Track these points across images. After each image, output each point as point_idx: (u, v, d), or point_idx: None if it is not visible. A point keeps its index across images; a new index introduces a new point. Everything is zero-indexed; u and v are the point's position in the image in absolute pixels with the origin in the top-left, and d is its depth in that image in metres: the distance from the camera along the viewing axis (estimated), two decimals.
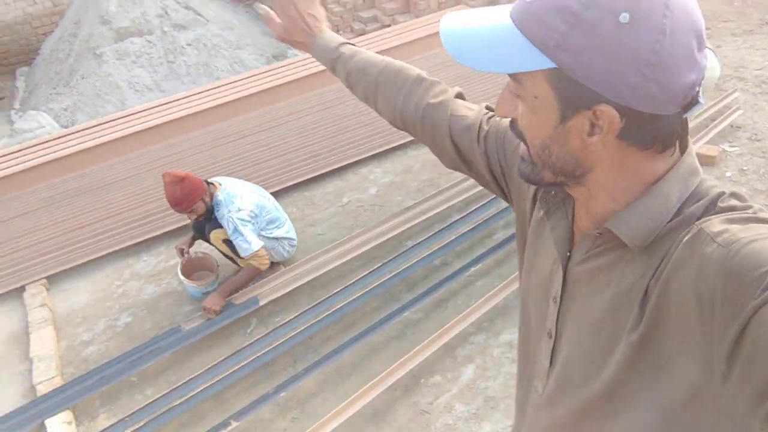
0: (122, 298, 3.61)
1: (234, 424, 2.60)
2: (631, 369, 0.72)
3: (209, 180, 3.25)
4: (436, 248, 3.38)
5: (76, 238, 4.09)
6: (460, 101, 1.11)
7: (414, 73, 1.15)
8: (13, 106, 6.29)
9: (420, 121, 1.11)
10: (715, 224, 0.65)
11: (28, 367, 3.18)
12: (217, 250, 3.39)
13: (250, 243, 3.09)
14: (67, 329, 3.46)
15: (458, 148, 1.07)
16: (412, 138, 4.64)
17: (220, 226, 3.18)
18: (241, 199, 3.16)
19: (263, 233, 3.28)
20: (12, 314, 3.64)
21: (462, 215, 3.58)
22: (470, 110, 1.08)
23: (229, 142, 4.99)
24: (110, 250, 3.97)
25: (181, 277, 3.29)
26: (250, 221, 3.14)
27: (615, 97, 0.66)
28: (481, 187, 3.75)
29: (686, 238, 0.67)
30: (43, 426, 2.79)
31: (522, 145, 0.78)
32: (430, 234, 3.49)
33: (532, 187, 0.93)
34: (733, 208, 0.69)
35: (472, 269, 3.20)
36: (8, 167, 4.81)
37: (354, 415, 2.55)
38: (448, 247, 3.37)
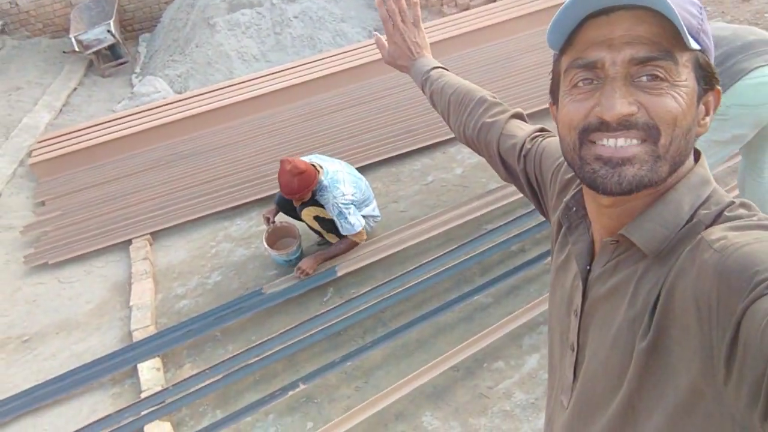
0: (214, 258, 3.86)
1: (302, 386, 2.75)
2: (644, 378, 0.73)
3: (313, 162, 3.36)
4: (514, 234, 3.34)
5: (180, 199, 4.40)
6: (515, 121, 1.19)
7: (478, 95, 1.27)
8: (134, 70, 6.78)
9: (476, 138, 1.23)
10: (715, 232, 0.67)
11: (127, 314, 3.50)
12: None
13: (353, 225, 3.28)
14: (164, 282, 3.76)
15: (505, 165, 1.17)
16: None
17: (313, 205, 3.32)
18: (344, 185, 3.28)
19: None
20: (119, 264, 4.01)
21: None
22: (521, 130, 1.15)
23: (327, 114, 5.13)
24: (208, 212, 4.25)
25: (266, 246, 3.46)
26: (352, 204, 3.29)
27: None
28: None
29: (690, 246, 0.69)
30: (135, 369, 3.08)
31: (633, 148, 0.71)
32: (511, 219, 3.45)
33: (560, 207, 0.94)
34: (738, 217, 0.70)
35: (549, 258, 3.13)
36: (126, 128, 5.22)
37: (414, 390, 2.62)
38: (527, 234, 3.32)
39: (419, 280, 3.18)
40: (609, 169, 0.71)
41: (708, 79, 0.74)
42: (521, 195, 3.60)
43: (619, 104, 0.70)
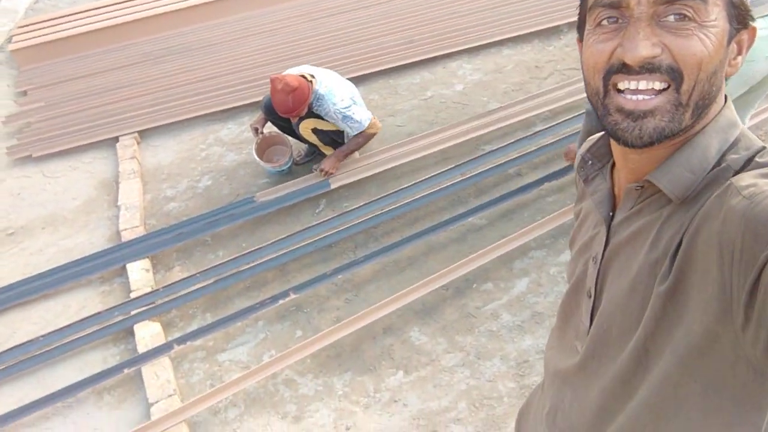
0: (205, 162, 3.79)
1: (292, 295, 2.78)
2: (660, 321, 0.73)
3: (301, 74, 3.20)
4: (513, 157, 3.30)
5: (170, 97, 4.25)
6: None
7: None
8: None
9: None
10: (745, 178, 0.65)
11: (115, 213, 3.46)
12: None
13: (361, 120, 3.18)
14: (152, 183, 3.70)
15: None
16: (508, 36, 4.37)
17: (311, 117, 3.21)
18: (339, 90, 3.18)
19: None
20: (105, 162, 3.92)
21: (546, 126, 3.45)
22: None
23: (326, 16, 4.92)
24: (200, 113, 4.12)
25: (257, 158, 3.39)
26: (352, 103, 3.19)
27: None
28: (572, 99, 3.61)
29: (717, 191, 0.68)
30: (124, 269, 3.08)
31: (654, 100, 0.70)
32: (510, 141, 3.40)
33: (576, 163, 0.96)
34: None
35: (546, 184, 3.12)
36: (114, 17, 4.96)
37: (403, 306, 2.66)
38: (525, 158, 3.29)
39: (413, 198, 3.16)
40: (630, 122, 0.71)
41: (741, 17, 0.71)
42: (521, 117, 3.57)
43: (642, 46, 0.68)
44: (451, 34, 4.41)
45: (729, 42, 0.70)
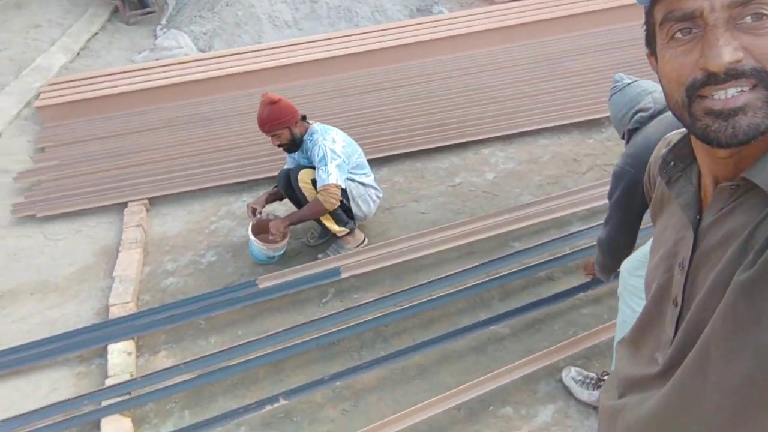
0: (212, 236, 3.55)
1: (282, 401, 2.43)
2: (732, 313, 0.69)
3: (307, 119, 3.16)
4: (545, 259, 2.96)
5: (185, 165, 4.09)
6: None
7: None
8: (159, 22, 6.44)
9: None
10: None
11: (109, 284, 3.20)
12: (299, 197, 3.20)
13: (330, 174, 2.94)
14: (154, 254, 3.46)
15: None
16: (546, 125, 4.18)
17: (310, 167, 3.07)
18: (336, 134, 3.08)
19: (352, 175, 3.11)
20: (110, 227, 3.71)
21: (584, 227, 3.12)
22: None
23: (354, 94, 4.78)
24: (213, 184, 3.94)
25: (251, 237, 3.13)
26: (340, 157, 2.99)
27: None
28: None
29: None
30: (105, 349, 2.79)
31: (743, 96, 0.67)
32: (543, 241, 3.08)
33: (658, 164, 0.92)
34: None
35: (581, 294, 2.77)
36: (141, 82, 4.91)
37: (407, 427, 2.29)
38: (559, 261, 2.95)
39: (431, 297, 2.83)
40: (722, 122, 0.68)
41: None
42: (556, 215, 3.26)
43: (724, 52, 0.66)
44: (484, 119, 4.19)
45: None
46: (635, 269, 2.03)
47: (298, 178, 3.08)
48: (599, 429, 1.04)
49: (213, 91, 4.93)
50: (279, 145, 3.07)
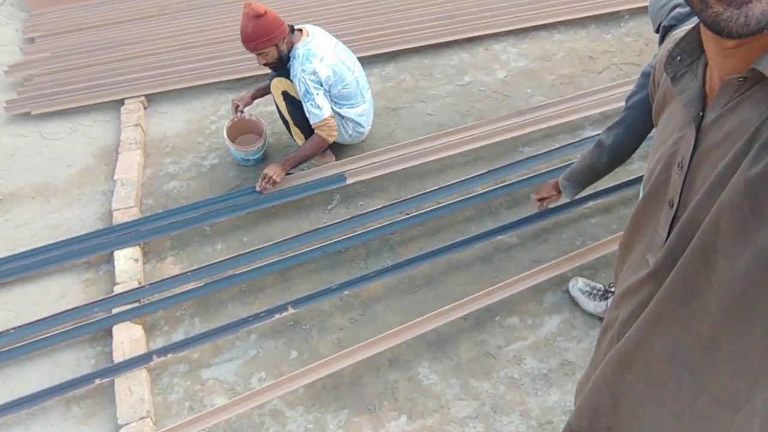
0: (213, 136, 3.45)
1: (291, 310, 2.46)
2: (737, 209, 0.68)
3: (297, 26, 2.85)
4: (556, 166, 2.89)
5: (184, 59, 3.90)
6: None
7: None
8: None
9: None
10: None
11: (111, 187, 3.15)
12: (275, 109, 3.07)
13: (321, 108, 2.74)
14: (155, 156, 3.38)
15: None
16: (562, 18, 3.93)
17: (285, 75, 2.84)
18: (319, 61, 2.73)
19: (335, 107, 2.88)
20: (107, 126, 3.60)
21: (597, 133, 3.01)
22: None
23: None
24: (214, 80, 3.76)
25: (226, 138, 3.05)
26: (322, 87, 2.76)
27: None
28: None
29: None
30: (112, 255, 2.79)
31: None
32: (554, 147, 2.98)
33: (663, 59, 0.88)
34: None
35: (592, 203, 2.73)
36: None
37: (415, 336, 2.33)
38: (569, 168, 2.87)
39: (438, 205, 2.79)
40: (733, 10, 0.65)
41: None
42: (569, 118, 3.14)
43: None
44: (497, 12, 3.93)
45: None
46: None
47: (271, 86, 2.89)
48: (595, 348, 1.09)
49: None
50: (265, 64, 2.79)
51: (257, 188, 2.87)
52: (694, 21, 1.83)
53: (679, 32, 0.89)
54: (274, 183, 2.84)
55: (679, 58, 0.85)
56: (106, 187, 3.20)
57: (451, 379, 2.25)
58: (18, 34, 4.46)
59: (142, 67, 3.86)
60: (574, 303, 2.42)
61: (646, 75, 1.91)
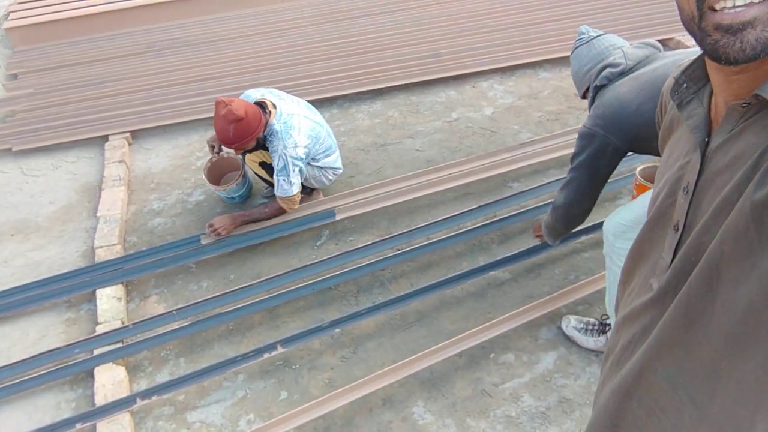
0: (199, 172, 3.41)
1: (280, 349, 2.39)
2: (743, 233, 0.67)
3: (260, 100, 2.75)
4: (545, 201, 2.89)
5: (169, 95, 3.88)
6: None
7: None
8: None
9: None
10: None
11: (93, 224, 3.09)
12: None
13: (292, 185, 2.71)
14: (139, 192, 3.33)
15: None
16: (546, 57, 4.01)
17: (260, 149, 2.80)
18: (298, 132, 2.69)
19: (313, 163, 2.86)
20: (91, 163, 3.55)
21: None
22: None
23: (345, 19, 4.53)
24: (199, 117, 3.75)
25: (205, 179, 3.03)
26: (302, 161, 2.72)
27: None
28: None
29: None
30: (94, 294, 2.71)
31: (752, 9, 0.65)
32: (543, 183, 2.99)
33: (670, 86, 0.91)
34: None
35: (584, 237, 2.72)
36: (115, 1, 4.58)
37: (408, 375, 2.27)
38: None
39: (428, 240, 2.77)
40: (730, 37, 0.67)
41: None
42: (556, 154, 3.15)
43: None
44: (482, 50, 4.00)
45: None
46: (623, 233, 1.97)
47: (246, 161, 2.89)
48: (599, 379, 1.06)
49: (194, 12, 4.64)
50: (240, 151, 2.73)
51: (202, 240, 2.84)
52: (631, 79, 1.87)
53: (685, 60, 0.90)
54: (220, 236, 2.81)
55: (685, 85, 0.87)
56: (89, 224, 3.14)
57: (446, 418, 2.19)
58: (1, 71, 4.42)
59: (128, 103, 3.83)
60: (572, 342, 2.38)
61: (583, 136, 1.91)
